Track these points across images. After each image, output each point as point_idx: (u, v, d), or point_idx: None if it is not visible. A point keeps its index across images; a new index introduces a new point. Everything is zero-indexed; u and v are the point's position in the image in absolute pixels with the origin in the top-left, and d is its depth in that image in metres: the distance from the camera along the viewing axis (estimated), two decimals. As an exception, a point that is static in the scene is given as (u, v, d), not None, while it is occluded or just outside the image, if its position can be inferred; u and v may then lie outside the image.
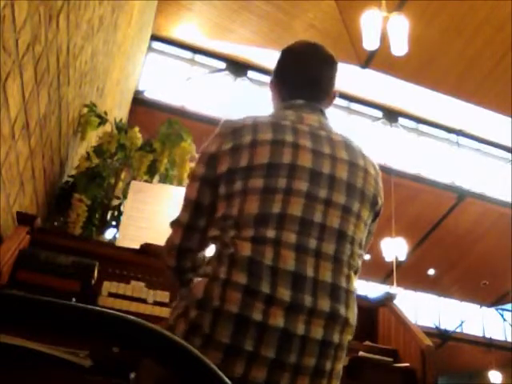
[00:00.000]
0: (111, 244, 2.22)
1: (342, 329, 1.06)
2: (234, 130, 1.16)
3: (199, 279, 1.07)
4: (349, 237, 1.10)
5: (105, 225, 2.63)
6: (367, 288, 12.07)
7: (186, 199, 1.20)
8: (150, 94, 8.60)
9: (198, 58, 9.75)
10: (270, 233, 1.03)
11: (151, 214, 2.12)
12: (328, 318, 1.03)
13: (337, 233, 1.08)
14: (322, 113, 1.26)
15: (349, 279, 1.09)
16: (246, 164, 1.10)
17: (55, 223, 2.56)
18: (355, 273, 1.13)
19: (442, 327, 12.94)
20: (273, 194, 1.06)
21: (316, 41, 1.37)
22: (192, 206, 1.18)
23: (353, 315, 1.09)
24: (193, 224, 1.18)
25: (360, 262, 1.15)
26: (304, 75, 1.29)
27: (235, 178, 1.10)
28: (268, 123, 1.15)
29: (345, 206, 1.11)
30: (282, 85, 1.31)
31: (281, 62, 1.34)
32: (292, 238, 1.04)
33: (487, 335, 13.27)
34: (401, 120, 10.95)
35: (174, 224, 1.22)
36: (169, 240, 1.23)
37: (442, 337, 12.43)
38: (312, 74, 1.29)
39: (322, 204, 1.08)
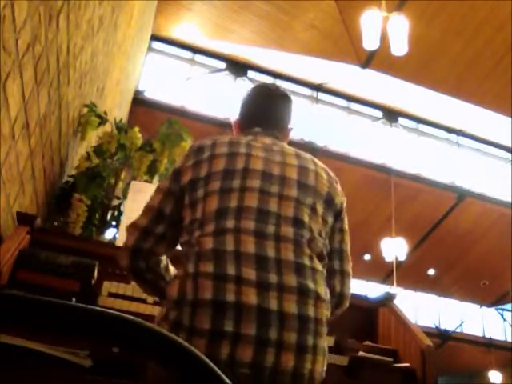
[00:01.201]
0: (111, 244, 2.22)
1: (315, 303, 1.09)
2: (196, 149, 1.29)
3: (173, 282, 1.13)
4: (305, 224, 1.17)
5: (105, 225, 2.63)
6: (367, 288, 12.07)
7: (147, 207, 1.28)
8: (150, 93, 8.60)
9: (198, 57, 9.75)
10: (230, 223, 1.12)
11: (151, 214, 2.11)
12: (298, 292, 1.07)
13: (292, 219, 1.16)
14: (277, 137, 1.37)
15: (312, 259, 1.14)
16: (205, 173, 1.21)
17: (55, 223, 2.57)
18: (318, 257, 1.17)
19: (442, 327, 12.94)
20: (229, 193, 1.17)
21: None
22: (152, 212, 1.26)
23: (323, 291, 1.13)
24: (149, 228, 1.24)
25: (324, 251, 1.20)
26: (262, 110, 1.43)
27: (197, 187, 1.21)
28: (225, 141, 1.29)
29: (297, 198, 1.19)
30: (242, 120, 1.46)
31: (243, 103, 1.49)
32: (251, 225, 1.12)
33: (487, 335, 13.27)
34: (401, 120, 10.95)
35: (131, 227, 1.28)
36: (124, 242, 1.28)
37: (442, 337, 12.43)
38: (269, 109, 1.43)
39: (276, 197, 1.18)
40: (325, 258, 1.21)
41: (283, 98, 1.46)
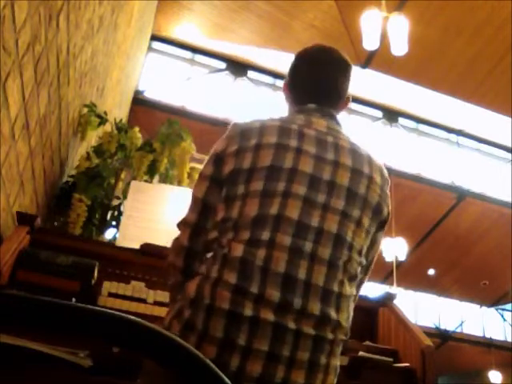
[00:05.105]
0: (111, 244, 2.22)
1: (334, 329, 1.06)
2: (241, 132, 1.17)
3: (193, 279, 1.08)
4: (346, 242, 1.09)
5: (105, 225, 2.63)
6: (367, 288, 12.05)
7: (194, 198, 1.19)
8: (150, 94, 8.59)
9: (198, 58, 9.74)
10: (265, 235, 1.04)
11: (151, 214, 2.11)
12: (318, 320, 1.03)
13: (334, 237, 1.08)
14: (333, 117, 1.26)
15: (342, 284, 1.08)
16: (248, 166, 1.11)
17: (55, 223, 2.57)
18: (351, 279, 1.11)
19: (442, 327, 12.94)
20: (271, 197, 1.07)
21: (320, 42, 1.38)
22: (199, 205, 1.17)
23: (345, 318, 1.09)
24: (199, 224, 1.16)
25: (359, 269, 1.14)
26: (317, 80, 1.29)
27: (238, 181, 1.11)
28: (275, 127, 1.16)
29: (343, 211, 1.10)
30: (295, 88, 1.33)
31: (294, 66, 1.35)
32: (287, 241, 1.04)
33: (487, 335, 13.26)
34: (401, 120, 10.94)
35: (182, 224, 1.20)
36: (177, 241, 1.21)
37: (441, 337, 12.43)
38: (325, 78, 1.29)
39: (320, 209, 1.08)
40: (357, 277, 1.14)
41: (342, 65, 1.30)
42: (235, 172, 1.12)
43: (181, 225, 1.21)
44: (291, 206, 1.07)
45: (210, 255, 1.10)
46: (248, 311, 0.99)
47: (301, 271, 1.03)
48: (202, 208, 1.16)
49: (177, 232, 1.22)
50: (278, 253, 1.03)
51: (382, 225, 1.22)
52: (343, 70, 1.31)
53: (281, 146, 1.12)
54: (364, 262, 1.17)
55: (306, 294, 1.02)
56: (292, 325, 1.00)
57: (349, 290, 1.10)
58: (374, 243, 1.22)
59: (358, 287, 1.24)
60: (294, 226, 1.05)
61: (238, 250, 1.04)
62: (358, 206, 1.13)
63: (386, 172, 1.25)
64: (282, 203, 1.07)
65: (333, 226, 1.08)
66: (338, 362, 1.09)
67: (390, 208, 1.23)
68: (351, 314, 1.12)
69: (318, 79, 1.29)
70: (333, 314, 1.05)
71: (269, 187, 1.08)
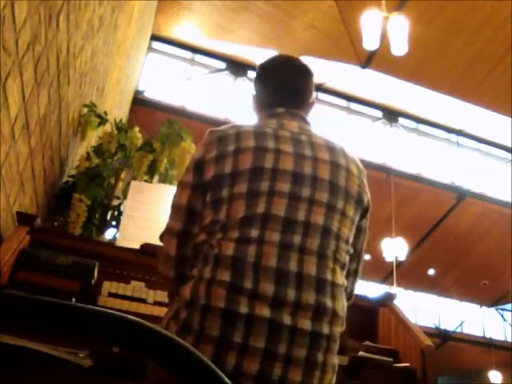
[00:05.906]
0: (111, 244, 2.22)
1: (331, 320, 1.07)
2: (218, 138, 1.20)
3: (187, 283, 1.10)
4: (333, 232, 1.13)
5: (105, 225, 2.63)
6: (367, 288, 12.06)
7: (176, 207, 1.21)
8: (150, 94, 8.60)
9: (198, 58, 9.75)
10: (254, 233, 1.07)
11: (151, 213, 2.12)
12: (315, 310, 1.05)
13: (321, 229, 1.11)
14: (303, 119, 1.32)
15: (334, 273, 1.11)
16: (230, 170, 1.14)
17: (55, 223, 2.56)
18: (342, 268, 1.15)
19: (442, 327, 12.94)
20: (256, 198, 1.10)
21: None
22: (184, 212, 1.19)
23: (340, 307, 1.11)
24: (187, 231, 1.18)
25: (347, 258, 1.17)
26: (282, 85, 1.35)
27: (221, 185, 1.14)
28: (250, 132, 1.20)
29: (328, 203, 1.14)
30: (262, 96, 1.38)
31: (259, 76, 1.41)
32: (275, 237, 1.07)
33: (487, 335, 13.27)
34: (401, 120, 10.95)
35: (166, 235, 1.22)
36: (163, 252, 1.22)
37: (441, 337, 12.43)
38: (289, 83, 1.36)
39: (306, 203, 1.12)
40: (347, 265, 1.17)
41: (304, 71, 1.38)
42: (217, 177, 1.15)
43: (165, 235, 1.22)
44: (277, 204, 1.10)
45: (200, 258, 1.11)
46: (243, 308, 1.00)
47: (292, 264, 1.05)
48: (186, 215, 1.19)
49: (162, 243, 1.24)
50: (268, 248, 1.05)
51: (364, 213, 1.26)
52: (307, 75, 1.39)
53: (259, 148, 1.16)
54: (351, 250, 1.20)
55: (300, 285, 1.04)
56: (288, 320, 1.01)
57: (340, 278, 1.13)
58: (359, 231, 1.26)
59: (354, 279, 1.28)
60: (281, 223, 1.08)
61: (229, 249, 1.06)
62: (341, 197, 1.17)
63: (360, 163, 1.30)
64: (267, 202, 1.09)
65: (319, 218, 1.11)
66: (335, 359, 1.10)
67: (369, 197, 1.27)
68: (345, 304, 1.15)
69: (283, 84, 1.35)
70: (328, 302, 1.07)
71: (253, 188, 1.11)
